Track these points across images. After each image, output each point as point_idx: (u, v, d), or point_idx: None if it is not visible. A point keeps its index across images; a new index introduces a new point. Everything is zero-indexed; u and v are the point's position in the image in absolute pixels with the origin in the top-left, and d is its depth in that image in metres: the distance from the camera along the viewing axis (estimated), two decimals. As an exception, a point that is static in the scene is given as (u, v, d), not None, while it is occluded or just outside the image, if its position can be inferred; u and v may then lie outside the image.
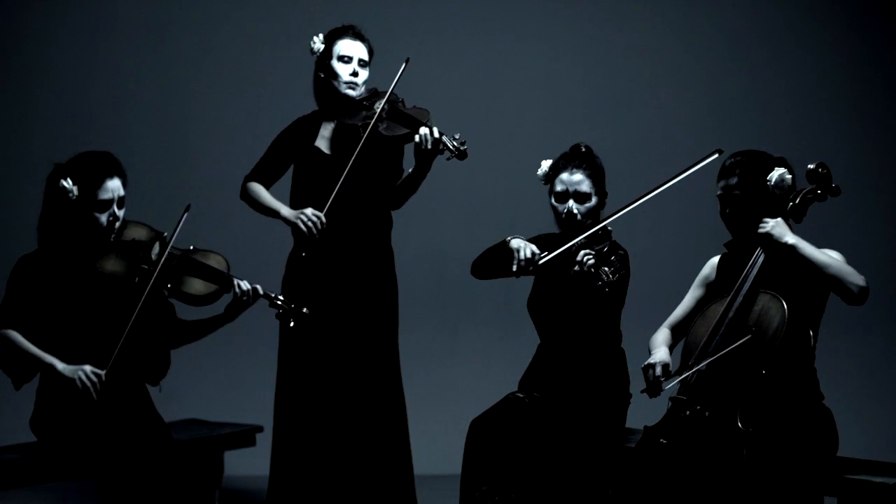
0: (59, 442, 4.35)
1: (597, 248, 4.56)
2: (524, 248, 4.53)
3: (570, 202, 4.60)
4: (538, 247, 4.54)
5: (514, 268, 4.53)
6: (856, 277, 4.08)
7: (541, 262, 4.52)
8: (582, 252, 4.30)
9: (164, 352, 4.58)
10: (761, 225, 4.18)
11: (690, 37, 7.12)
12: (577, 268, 4.28)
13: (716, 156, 4.39)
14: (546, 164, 4.72)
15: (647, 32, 7.10)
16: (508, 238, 4.61)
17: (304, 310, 4.59)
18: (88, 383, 4.29)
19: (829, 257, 4.12)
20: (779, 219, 4.18)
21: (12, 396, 4.66)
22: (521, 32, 7.08)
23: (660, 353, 4.33)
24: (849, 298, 4.09)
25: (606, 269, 4.25)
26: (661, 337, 4.45)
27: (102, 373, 4.31)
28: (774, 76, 7.12)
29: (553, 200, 4.65)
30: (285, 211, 5.01)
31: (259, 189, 5.12)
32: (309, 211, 4.94)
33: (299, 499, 5.00)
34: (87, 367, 4.30)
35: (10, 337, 4.34)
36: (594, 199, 4.63)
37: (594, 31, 7.13)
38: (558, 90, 7.08)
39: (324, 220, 4.93)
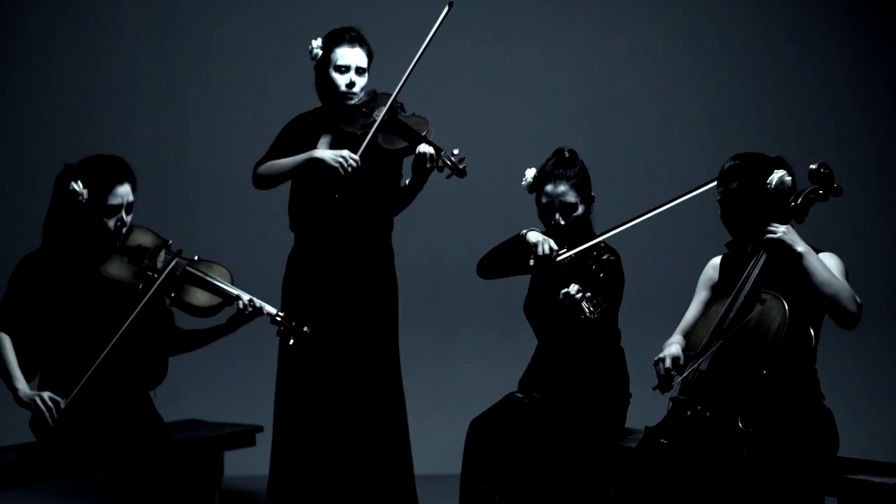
0: (59, 442, 4.35)
1: (585, 264, 4.54)
2: (543, 242, 4.49)
3: (557, 215, 4.57)
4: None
5: (532, 262, 4.48)
6: (851, 303, 4.05)
7: (559, 258, 4.48)
8: (571, 287, 4.24)
9: (161, 359, 4.57)
10: (771, 230, 4.16)
11: (689, 40, 7.11)
12: (563, 299, 4.23)
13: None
14: (530, 174, 4.66)
15: (646, 36, 7.10)
16: (524, 231, 4.56)
17: (305, 328, 4.57)
18: (44, 408, 4.29)
19: (832, 275, 4.10)
20: (788, 225, 4.17)
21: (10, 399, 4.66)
22: (521, 35, 7.07)
23: (671, 348, 4.30)
24: (839, 321, 4.08)
25: (586, 304, 4.20)
26: (674, 339, 4.40)
27: (61, 400, 4.32)
28: (775, 77, 7.12)
29: (540, 212, 4.62)
30: (320, 153, 4.95)
31: (274, 161, 5.06)
32: (346, 152, 4.91)
33: (299, 499, 4.99)
34: (46, 394, 4.31)
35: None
36: (581, 208, 4.59)
37: (594, 34, 7.13)
38: (558, 94, 7.08)
39: (359, 162, 4.91)
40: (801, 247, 4.12)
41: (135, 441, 4.31)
